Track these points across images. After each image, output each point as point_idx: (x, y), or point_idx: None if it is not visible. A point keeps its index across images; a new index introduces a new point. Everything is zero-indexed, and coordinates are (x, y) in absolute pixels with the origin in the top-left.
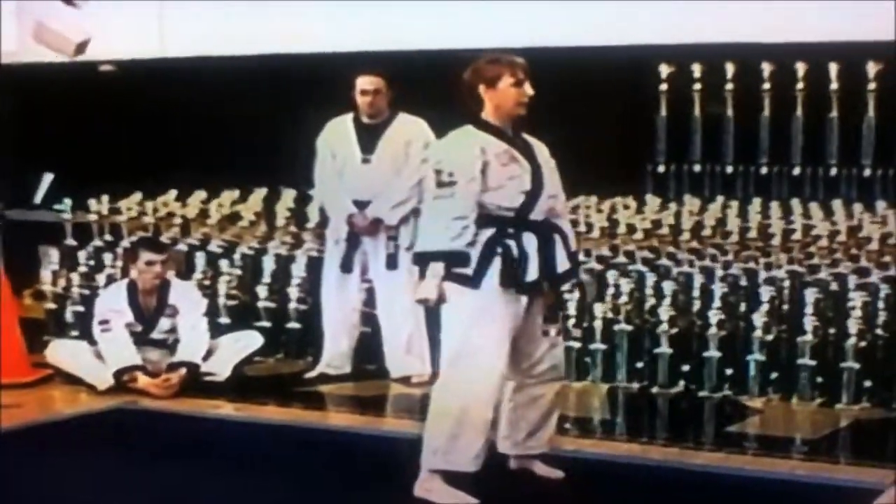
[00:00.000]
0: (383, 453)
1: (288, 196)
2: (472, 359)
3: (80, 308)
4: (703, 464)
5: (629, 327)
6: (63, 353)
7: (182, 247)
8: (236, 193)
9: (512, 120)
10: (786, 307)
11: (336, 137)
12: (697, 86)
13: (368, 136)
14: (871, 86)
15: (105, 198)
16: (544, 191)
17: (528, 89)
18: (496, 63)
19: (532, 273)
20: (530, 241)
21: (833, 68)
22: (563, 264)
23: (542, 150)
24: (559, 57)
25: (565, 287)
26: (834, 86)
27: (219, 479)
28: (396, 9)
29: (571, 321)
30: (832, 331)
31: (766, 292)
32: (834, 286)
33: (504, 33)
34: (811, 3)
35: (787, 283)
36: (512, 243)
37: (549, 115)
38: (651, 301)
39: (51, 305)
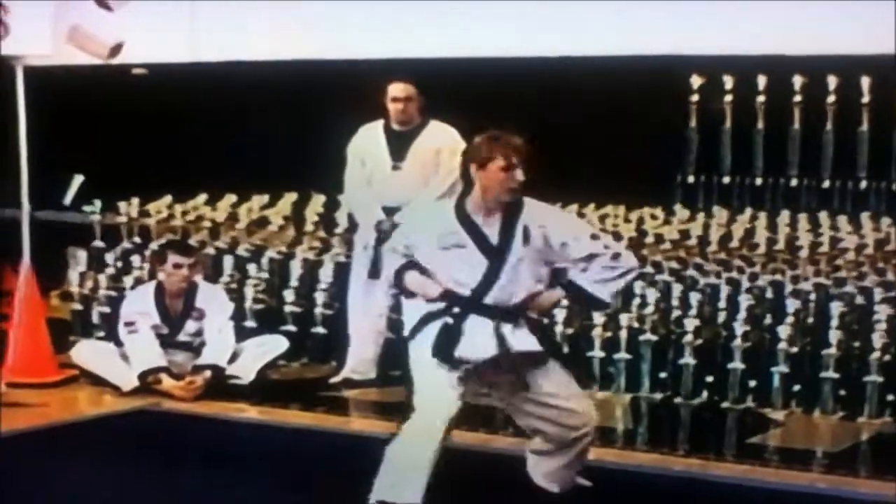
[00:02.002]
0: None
1: (317, 201)
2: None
3: (107, 309)
4: (724, 475)
5: (654, 337)
6: (89, 353)
7: (210, 250)
8: (265, 198)
9: (501, 204)
10: (811, 320)
11: (366, 144)
12: (728, 97)
13: (399, 144)
14: None
15: (135, 200)
16: (499, 283)
17: (519, 175)
18: (491, 143)
19: (467, 351)
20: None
21: (865, 81)
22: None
23: (528, 237)
24: (591, 66)
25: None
26: (865, 99)
27: (240, 482)
28: (429, 16)
29: (597, 330)
30: (856, 344)
31: (791, 305)
32: (860, 299)
33: (535, 42)
34: (841, 15)
35: (812, 296)
36: (449, 320)
37: (579, 124)
38: (677, 311)
39: (77, 306)
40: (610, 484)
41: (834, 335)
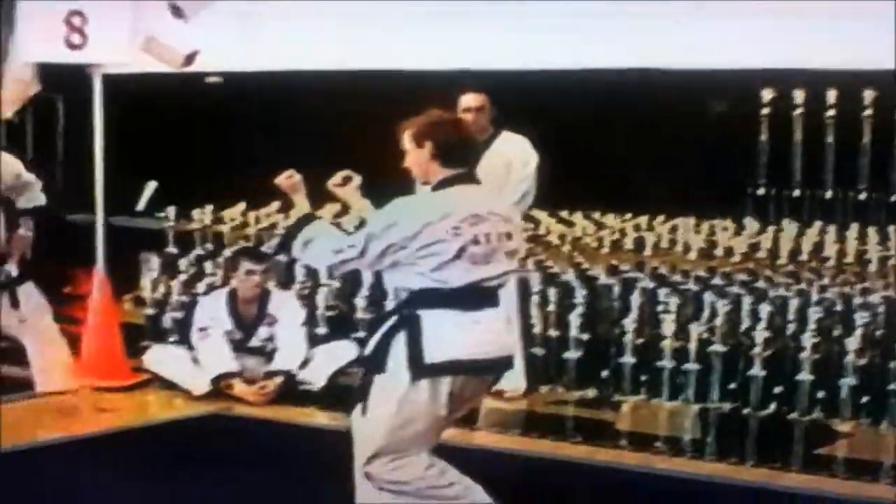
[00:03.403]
0: (475, 466)
1: None
2: None
3: (180, 315)
4: (791, 486)
5: (724, 348)
6: (161, 358)
7: (282, 257)
8: (338, 206)
9: None
10: (879, 332)
11: None
12: (799, 111)
13: (470, 154)
14: None
15: (208, 207)
16: None
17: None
18: None
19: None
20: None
21: None
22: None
23: None
24: (662, 79)
25: None
26: None
27: (310, 487)
28: (500, 27)
29: (666, 341)
30: None
31: (860, 317)
32: None
33: (607, 54)
34: None
35: (881, 309)
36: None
37: (651, 136)
38: (746, 323)
39: (150, 311)
40: (678, 494)
41: None
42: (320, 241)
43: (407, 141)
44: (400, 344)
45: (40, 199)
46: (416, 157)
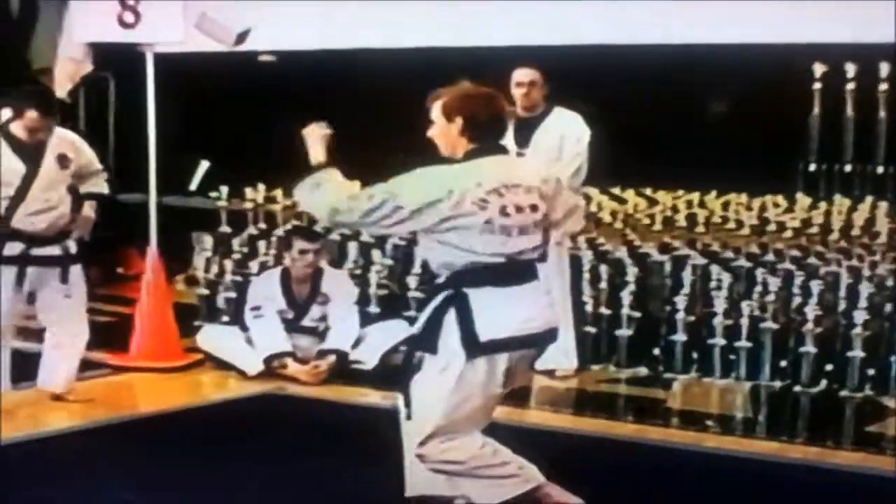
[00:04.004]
0: (527, 446)
1: None
2: None
3: (233, 294)
4: (842, 463)
5: (775, 325)
6: (214, 338)
7: (335, 236)
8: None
9: None
10: None
11: None
12: (851, 85)
13: (523, 130)
14: None
15: (261, 186)
16: None
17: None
18: None
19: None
20: None
21: None
22: None
23: None
24: (714, 54)
25: None
26: None
27: (363, 466)
28: (554, 2)
29: (718, 318)
30: None
31: None
32: None
33: (660, 30)
34: None
35: None
36: None
37: (702, 112)
38: (798, 300)
39: (203, 291)
40: (728, 472)
41: None
42: (332, 186)
43: (436, 112)
44: (451, 323)
45: (104, 188)
46: (444, 130)
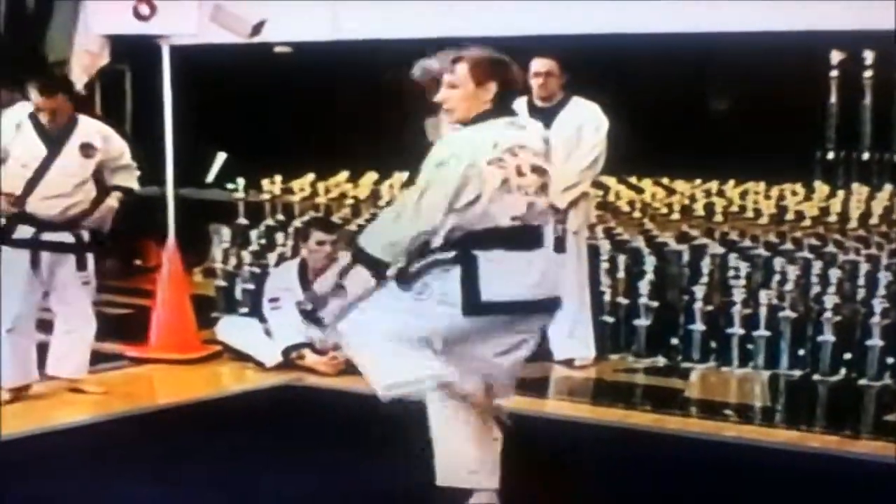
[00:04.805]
0: (544, 435)
1: None
2: None
3: (251, 286)
4: (861, 452)
5: (794, 314)
6: (232, 329)
7: (353, 227)
8: (405, 175)
9: None
10: None
11: None
12: (868, 73)
13: (541, 119)
14: None
15: (278, 178)
16: None
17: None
18: None
19: None
20: None
21: None
22: None
23: None
24: (732, 43)
25: None
26: None
27: (381, 456)
28: None
29: (736, 307)
30: None
31: None
32: None
33: (678, 19)
34: None
35: None
36: None
37: (720, 100)
38: (816, 288)
39: (221, 283)
40: (747, 461)
41: None
42: (378, 226)
43: (460, 75)
44: (453, 279)
45: (134, 183)
46: (469, 93)
